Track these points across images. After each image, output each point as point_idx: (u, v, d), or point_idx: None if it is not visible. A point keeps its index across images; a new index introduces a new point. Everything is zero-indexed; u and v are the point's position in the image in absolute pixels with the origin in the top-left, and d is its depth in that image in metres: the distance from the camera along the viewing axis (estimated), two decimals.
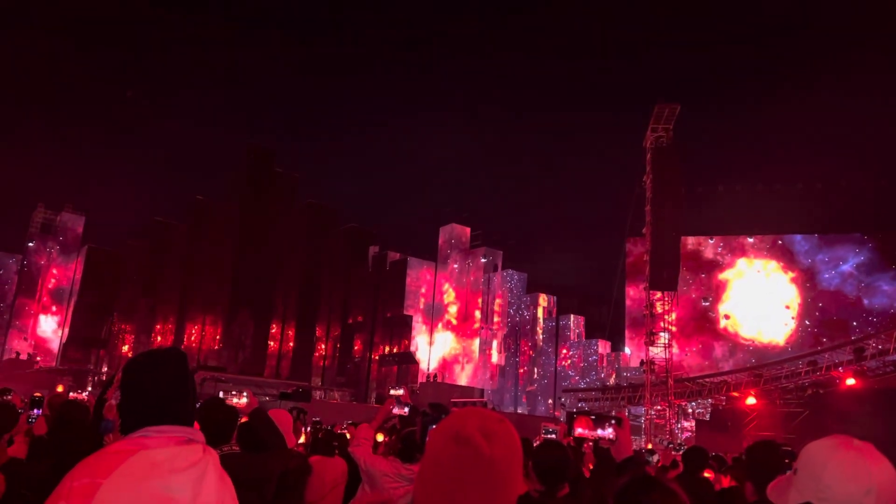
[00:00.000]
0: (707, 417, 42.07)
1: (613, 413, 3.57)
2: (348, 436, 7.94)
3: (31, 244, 69.76)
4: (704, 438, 34.33)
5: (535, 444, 5.40)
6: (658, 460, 11.49)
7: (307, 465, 6.60)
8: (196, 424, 2.02)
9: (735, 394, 38.67)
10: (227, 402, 6.25)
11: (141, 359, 1.88)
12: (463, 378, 68.74)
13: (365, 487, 4.78)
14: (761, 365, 44.38)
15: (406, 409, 5.12)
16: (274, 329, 70.23)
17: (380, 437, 5.52)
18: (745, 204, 58.51)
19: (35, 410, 5.59)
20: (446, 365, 70.46)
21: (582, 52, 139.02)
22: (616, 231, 66.88)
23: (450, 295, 72.65)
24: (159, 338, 66.18)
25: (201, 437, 1.77)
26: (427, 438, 4.97)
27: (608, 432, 3.31)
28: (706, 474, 6.47)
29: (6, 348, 66.50)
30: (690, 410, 43.68)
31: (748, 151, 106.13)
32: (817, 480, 1.74)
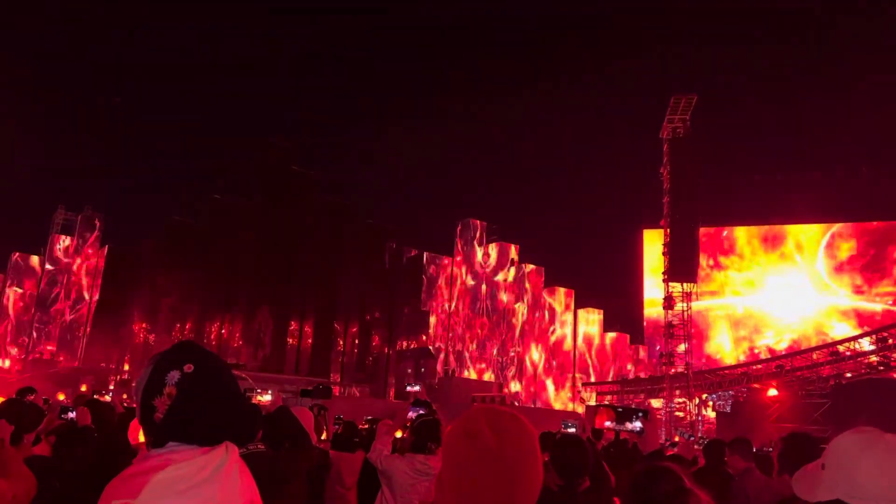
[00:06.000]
0: (728, 410, 41.81)
1: (633, 406, 3.58)
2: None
3: (52, 245, 70.67)
4: (725, 431, 34.13)
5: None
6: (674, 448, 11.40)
7: (328, 461, 6.67)
8: None
9: (756, 385, 38.42)
10: (252, 399, 6.32)
11: (190, 373, 1.77)
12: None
13: (385, 491, 4.78)
14: (782, 356, 44.06)
15: (422, 411, 5.14)
16: (293, 326, 70.60)
17: (398, 434, 5.54)
18: (761, 194, 57.79)
19: (69, 414, 5.64)
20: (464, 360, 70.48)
21: (597, 41, 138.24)
22: (633, 223, 66.35)
23: (466, 289, 72.62)
24: (180, 336, 66.82)
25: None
26: (443, 438, 5.01)
27: (636, 425, 3.31)
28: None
29: (29, 348, 67.49)
30: (711, 403, 43.42)
31: (767, 141, 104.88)
32: (850, 479, 1.70)
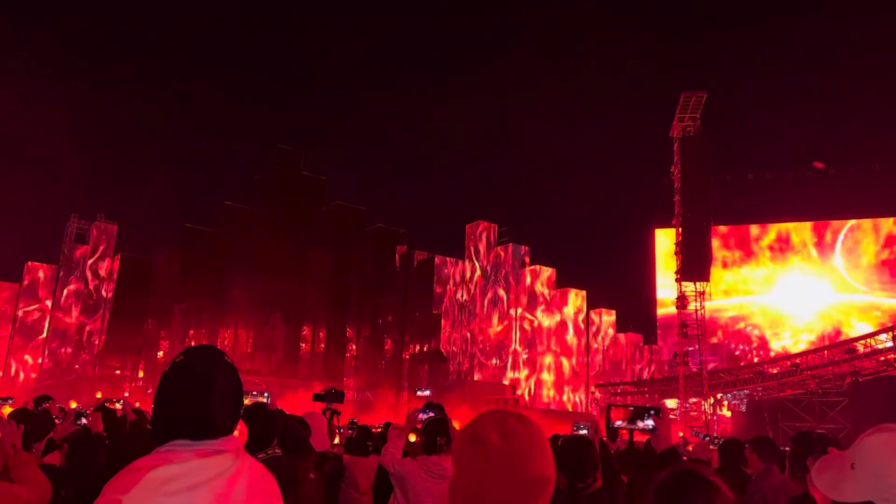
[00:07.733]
0: (743, 409, 41.48)
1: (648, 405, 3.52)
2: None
3: (66, 254, 71.25)
4: (741, 430, 33.86)
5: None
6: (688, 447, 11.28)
7: (341, 467, 6.64)
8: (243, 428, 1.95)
9: (772, 384, 38.11)
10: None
11: (173, 368, 1.78)
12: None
13: (397, 495, 4.75)
14: (797, 354, 43.69)
15: (432, 414, 5.11)
16: (305, 331, 70.84)
17: (412, 438, 5.52)
18: (774, 191, 57.33)
19: (81, 420, 5.73)
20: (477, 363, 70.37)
21: (607, 39, 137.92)
22: (645, 222, 66.02)
23: (478, 291, 72.53)
24: (193, 342, 67.09)
25: (233, 446, 1.74)
26: (451, 435, 5.05)
27: (648, 423, 3.27)
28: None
29: (45, 356, 68.02)
30: (726, 403, 43.09)
31: (778, 138, 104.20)
32: (882, 480, 1.67)
